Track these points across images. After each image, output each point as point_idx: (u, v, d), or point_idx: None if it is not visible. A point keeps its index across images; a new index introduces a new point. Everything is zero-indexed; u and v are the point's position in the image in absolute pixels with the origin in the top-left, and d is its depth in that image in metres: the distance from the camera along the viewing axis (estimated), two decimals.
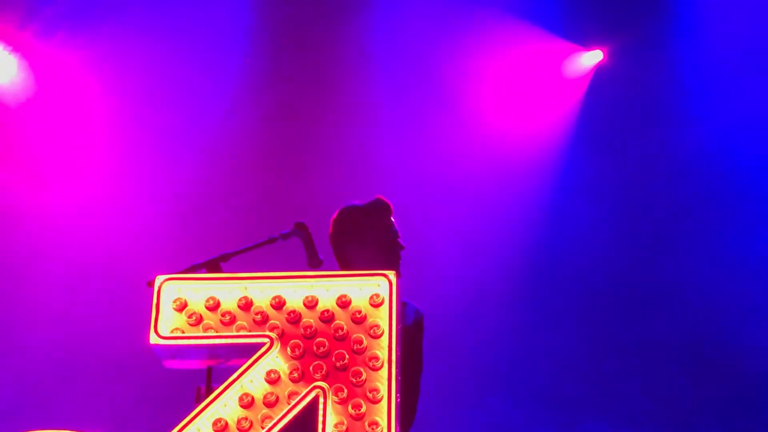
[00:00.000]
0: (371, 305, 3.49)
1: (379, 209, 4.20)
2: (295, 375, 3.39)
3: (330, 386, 3.35)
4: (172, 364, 3.61)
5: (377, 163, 8.21)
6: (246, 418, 3.32)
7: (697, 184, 8.63)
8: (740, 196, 8.59)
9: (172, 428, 3.30)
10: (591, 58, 8.89)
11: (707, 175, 8.59)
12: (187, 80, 8.36)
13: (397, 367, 3.40)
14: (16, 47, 8.24)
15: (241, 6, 8.58)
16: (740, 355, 8.12)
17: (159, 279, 3.50)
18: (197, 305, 3.52)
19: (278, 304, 3.49)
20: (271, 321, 3.49)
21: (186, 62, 8.38)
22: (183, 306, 3.49)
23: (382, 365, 3.36)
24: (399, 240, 4.12)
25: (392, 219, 4.23)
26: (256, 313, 3.49)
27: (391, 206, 4.26)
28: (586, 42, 8.79)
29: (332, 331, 3.47)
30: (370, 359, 3.40)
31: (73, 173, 8.13)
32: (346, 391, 3.35)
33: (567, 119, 8.80)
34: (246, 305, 3.50)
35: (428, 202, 8.00)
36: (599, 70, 8.84)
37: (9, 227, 7.86)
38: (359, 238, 4.13)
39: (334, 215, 4.27)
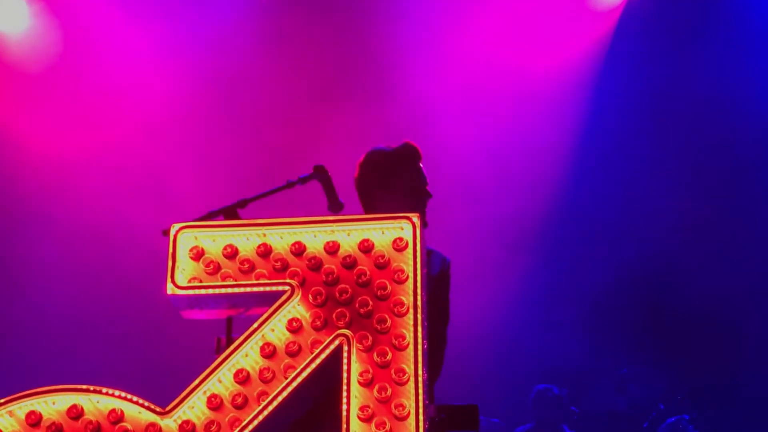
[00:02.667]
0: (395, 249, 3.41)
1: (407, 154, 4.11)
2: (318, 323, 3.34)
3: (354, 334, 3.31)
4: (190, 314, 3.56)
5: (404, 106, 8.17)
6: (268, 369, 3.28)
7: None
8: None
9: (192, 380, 3.31)
10: None
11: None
12: (210, 31, 8.29)
13: (423, 313, 3.36)
14: None
15: None
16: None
17: (174, 227, 3.46)
18: (215, 253, 3.46)
19: (298, 250, 3.44)
20: (292, 268, 3.43)
21: (208, 13, 8.36)
22: (200, 254, 3.43)
23: (407, 311, 3.29)
24: (427, 187, 4.07)
25: (420, 165, 4.14)
26: (276, 260, 3.44)
27: (420, 152, 4.16)
28: None
29: (355, 277, 3.42)
30: (395, 305, 3.32)
31: (91, 121, 8.14)
32: (370, 338, 3.30)
33: (597, 52, 8.73)
34: (265, 252, 3.45)
35: (457, 147, 8.03)
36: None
37: (25, 174, 8.00)
38: (386, 182, 4.03)
39: (361, 158, 4.18)
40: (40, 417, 3.24)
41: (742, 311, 8.80)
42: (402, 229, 3.45)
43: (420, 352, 3.29)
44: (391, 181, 4.06)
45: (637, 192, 8.82)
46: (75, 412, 3.26)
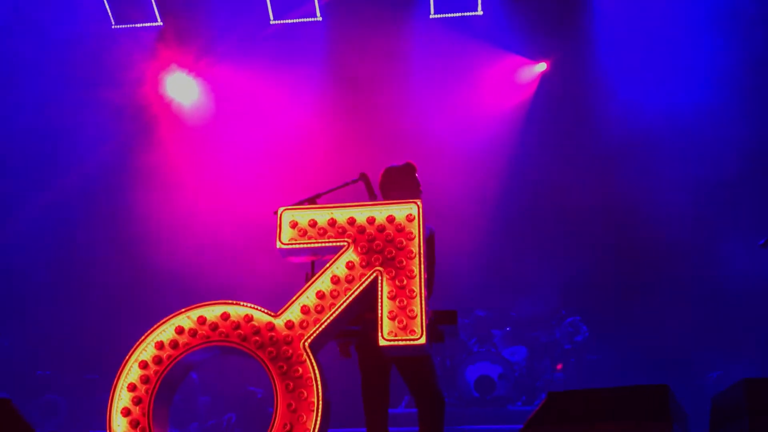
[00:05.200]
0: (407, 220, 4.42)
1: (408, 168, 5.20)
2: (363, 263, 4.34)
3: (384, 269, 4.32)
4: (290, 259, 4.57)
5: (407, 137, 9.96)
6: (335, 290, 4.32)
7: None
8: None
9: (291, 298, 4.33)
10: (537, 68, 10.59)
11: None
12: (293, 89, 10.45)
13: (423, 258, 4.33)
14: (197, 73, 10.21)
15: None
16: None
17: (280, 209, 4.48)
18: (303, 224, 4.48)
19: (351, 221, 4.45)
20: (348, 232, 4.44)
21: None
22: (294, 224, 4.46)
23: (414, 256, 4.32)
24: (420, 188, 5.15)
25: (416, 175, 5.17)
26: (339, 228, 4.44)
27: (416, 166, 5.19)
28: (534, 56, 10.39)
29: (384, 237, 4.39)
30: (408, 253, 4.34)
31: (225, 142, 10.38)
32: (394, 272, 4.31)
33: (523, 108, 10.60)
34: (332, 223, 4.45)
35: (440, 165, 9.54)
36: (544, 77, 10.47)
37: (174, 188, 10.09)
38: (398, 185, 5.10)
39: (382, 171, 5.19)
40: (204, 319, 4.32)
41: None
42: (411, 208, 4.42)
43: (421, 280, 4.27)
44: (399, 184, 5.12)
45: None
46: (225, 316, 4.33)
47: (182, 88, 10.57)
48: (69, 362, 9.16)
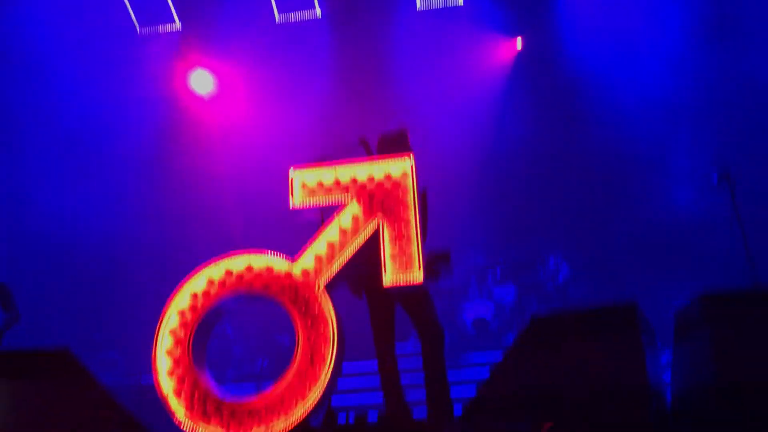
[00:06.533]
0: (402, 175, 4.49)
1: (402, 132, 5.05)
2: (366, 214, 4.43)
3: (384, 219, 4.41)
4: (302, 215, 4.60)
5: (408, 107, 10.02)
6: (342, 239, 4.41)
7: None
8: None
9: (306, 247, 4.38)
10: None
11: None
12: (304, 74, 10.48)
13: (417, 206, 4.41)
14: (212, 69, 10.49)
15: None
16: None
17: (291, 171, 4.55)
18: (312, 184, 4.54)
19: (353, 179, 4.51)
20: (351, 188, 4.52)
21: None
22: (304, 185, 4.51)
23: (409, 206, 4.39)
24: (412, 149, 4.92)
25: (408, 137, 5.02)
26: (343, 186, 4.52)
27: (408, 131, 5.06)
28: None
29: (383, 191, 4.45)
30: (404, 203, 4.43)
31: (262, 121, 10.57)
32: (392, 220, 4.40)
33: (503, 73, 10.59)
34: (336, 182, 4.51)
35: (435, 131, 9.75)
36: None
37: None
38: (393, 147, 4.89)
39: (380, 136, 5.04)
40: (231, 271, 4.38)
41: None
42: (405, 163, 4.49)
43: (417, 226, 4.38)
44: (394, 145, 4.94)
45: None
46: (249, 267, 4.39)
47: (202, 82, 10.76)
48: (123, 320, 9.24)
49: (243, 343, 9.46)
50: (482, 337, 8.67)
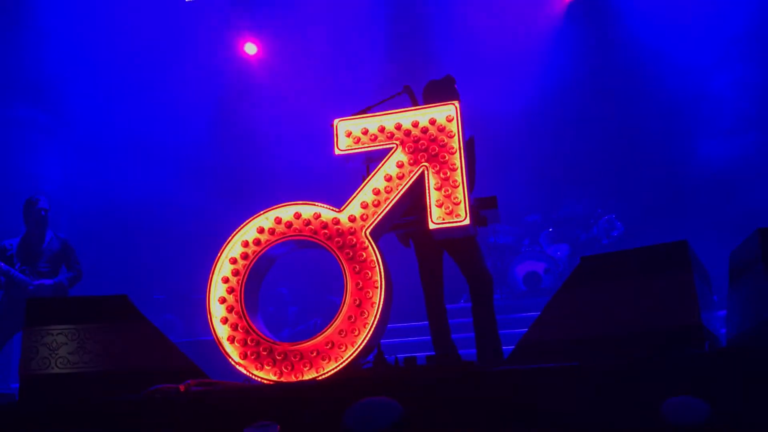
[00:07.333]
0: (447, 120, 4.40)
1: (448, 80, 5.08)
2: (411, 161, 4.38)
3: (430, 164, 4.34)
4: (348, 163, 4.63)
5: (443, 56, 10.04)
6: (388, 186, 4.39)
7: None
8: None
9: (352, 194, 4.40)
10: None
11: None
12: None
13: (463, 152, 4.33)
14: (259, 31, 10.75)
15: None
16: None
17: (336, 121, 4.55)
18: (356, 132, 4.54)
19: (398, 126, 4.46)
20: (396, 135, 4.47)
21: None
22: (349, 133, 4.52)
23: (455, 152, 4.32)
24: (459, 97, 4.95)
25: (455, 86, 5.03)
26: (388, 133, 4.47)
27: (455, 79, 5.04)
28: None
29: (428, 137, 4.40)
30: (449, 149, 4.34)
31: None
32: (438, 166, 4.33)
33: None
34: (381, 129, 4.49)
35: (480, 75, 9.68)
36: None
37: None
38: (439, 95, 4.93)
39: (426, 84, 5.10)
40: (280, 219, 4.42)
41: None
42: (450, 110, 4.41)
43: (463, 171, 4.28)
44: (441, 93, 4.96)
45: None
46: (297, 215, 4.43)
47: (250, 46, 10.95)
48: (180, 284, 9.52)
49: (298, 302, 9.67)
50: (533, 293, 8.57)
